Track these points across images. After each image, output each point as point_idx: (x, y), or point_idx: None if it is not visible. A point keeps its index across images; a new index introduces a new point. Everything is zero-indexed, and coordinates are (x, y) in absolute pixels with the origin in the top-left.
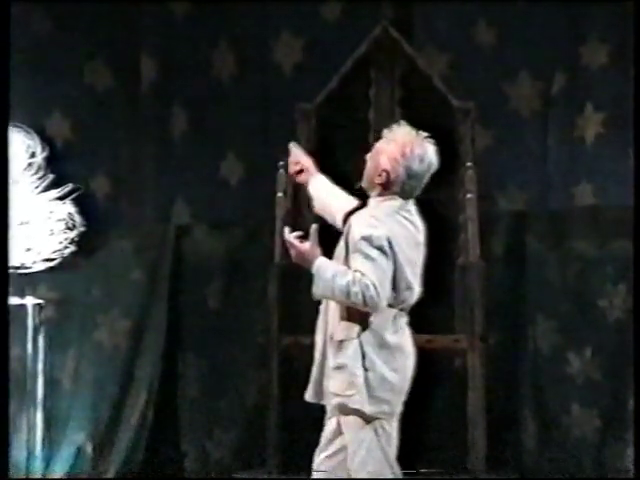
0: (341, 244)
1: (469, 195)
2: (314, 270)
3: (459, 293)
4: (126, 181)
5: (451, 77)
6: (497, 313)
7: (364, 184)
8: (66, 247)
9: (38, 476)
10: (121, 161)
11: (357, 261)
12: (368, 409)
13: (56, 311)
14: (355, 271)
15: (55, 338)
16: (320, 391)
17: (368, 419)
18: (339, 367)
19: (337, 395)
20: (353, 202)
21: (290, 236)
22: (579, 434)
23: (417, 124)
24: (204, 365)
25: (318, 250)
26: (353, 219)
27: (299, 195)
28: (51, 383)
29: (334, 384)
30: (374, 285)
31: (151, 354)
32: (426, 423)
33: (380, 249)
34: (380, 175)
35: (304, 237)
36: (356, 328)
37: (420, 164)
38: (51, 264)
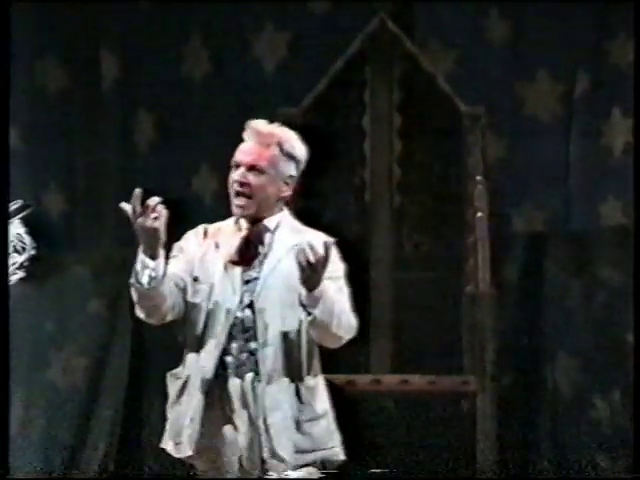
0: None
1: (479, 214)
2: (321, 288)
3: (467, 327)
4: (83, 197)
5: (458, 77)
6: (511, 350)
7: (254, 209)
8: (13, 273)
9: None
10: (77, 174)
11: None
12: (342, 458)
13: None
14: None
15: None
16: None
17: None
18: (320, 415)
19: (314, 451)
20: None
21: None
22: None
23: (419, 131)
24: None
25: None
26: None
27: None
28: None
29: (310, 438)
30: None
31: (112, 397)
32: (429, 476)
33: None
34: (287, 184)
35: None
36: (317, 367)
37: (306, 155)
38: None
